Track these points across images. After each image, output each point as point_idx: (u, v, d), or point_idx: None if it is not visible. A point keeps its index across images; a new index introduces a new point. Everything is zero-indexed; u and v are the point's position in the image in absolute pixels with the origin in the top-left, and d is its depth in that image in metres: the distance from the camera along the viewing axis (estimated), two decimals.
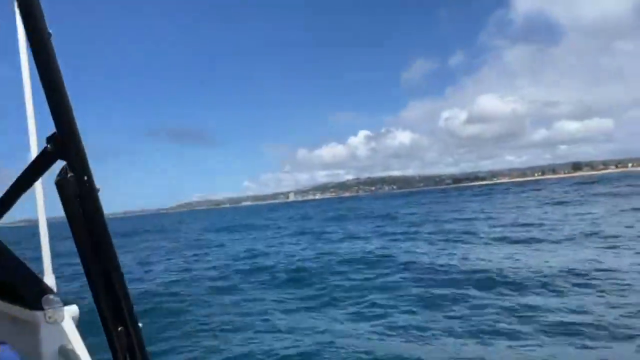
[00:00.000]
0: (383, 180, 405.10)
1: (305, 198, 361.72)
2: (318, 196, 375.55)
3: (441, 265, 15.02)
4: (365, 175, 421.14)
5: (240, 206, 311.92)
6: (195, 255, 24.60)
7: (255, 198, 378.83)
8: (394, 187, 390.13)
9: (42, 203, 1.78)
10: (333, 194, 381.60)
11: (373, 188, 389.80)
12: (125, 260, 22.51)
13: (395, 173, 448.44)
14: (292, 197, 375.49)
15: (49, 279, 1.66)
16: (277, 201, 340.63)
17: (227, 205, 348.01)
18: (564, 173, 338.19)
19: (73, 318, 1.46)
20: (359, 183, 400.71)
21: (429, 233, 25.32)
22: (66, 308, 1.43)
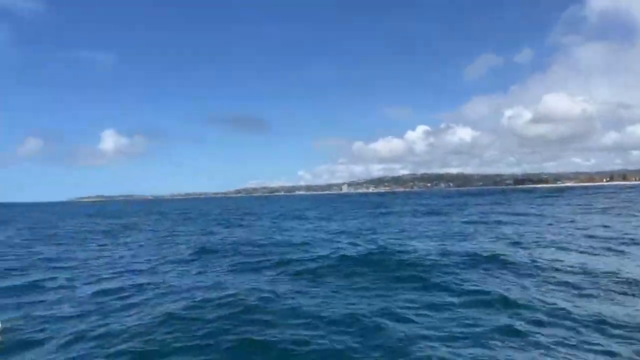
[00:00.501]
0: (440, 177, 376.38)
1: (358, 190, 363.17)
2: (372, 189, 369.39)
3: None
4: (421, 170, 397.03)
5: (294, 195, 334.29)
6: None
7: (309, 188, 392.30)
8: (451, 184, 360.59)
9: None
10: (387, 187, 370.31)
11: (429, 184, 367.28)
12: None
13: (453, 170, 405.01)
14: (345, 189, 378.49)
15: None
16: (330, 192, 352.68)
17: (282, 193, 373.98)
18: (636, 179, 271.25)
19: None
20: (414, 178, 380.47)
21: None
22: None
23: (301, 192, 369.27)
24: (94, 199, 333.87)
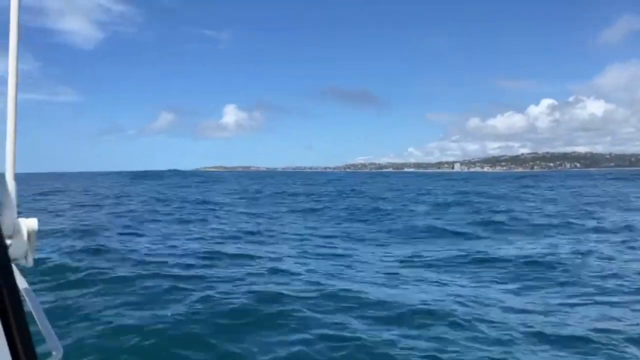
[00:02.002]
0: (565, 157, 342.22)
1: (471, 170, 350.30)
2: (487, 169, 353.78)
3: None
4: (543, 149, 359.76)
5: (402, 172, 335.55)
6: None
7: (418, 165, 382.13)
8: (577, 164, 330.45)
9: None
10: (504, 167, 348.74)
11: (552, 164, 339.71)
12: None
13: (581, 149, 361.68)
14: (457, 168, 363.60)
15: None
16: (440, 170, 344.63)
17: (390, 170, 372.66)
18: None
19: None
20: (535, 158, 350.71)
21: None
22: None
23: (410, 170, 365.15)
24: (216, 168, 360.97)
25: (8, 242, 1.08)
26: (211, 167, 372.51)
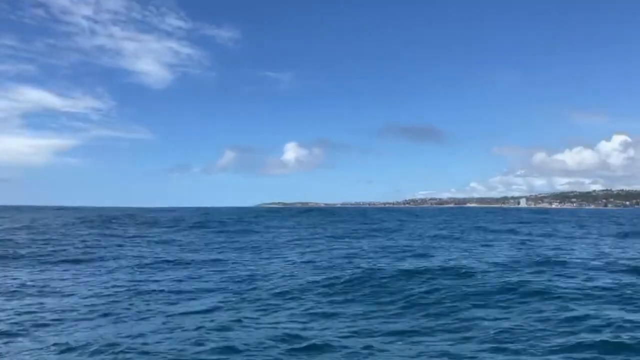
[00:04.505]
0: None
1: (538, 205, 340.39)
2: (555, 205, 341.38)
3: None
4: (617, 186, 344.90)
5: (465, 207, 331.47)
6: None
7: (481, 200, 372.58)
8: None
9: None
10: (575, 204, 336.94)
11: (627, 203, 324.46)
12: None
13: None
14: (523, 203, 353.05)
15: None
16: (505, 206, 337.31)
17: (452, 205, 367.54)
18: None
19: None
20: (608, 195, 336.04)
21: None
22: None
23: (473, 205, 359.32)
24: (275, 204, 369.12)
25: None
26: (271, 203, 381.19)
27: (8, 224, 49.76)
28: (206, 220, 61.37)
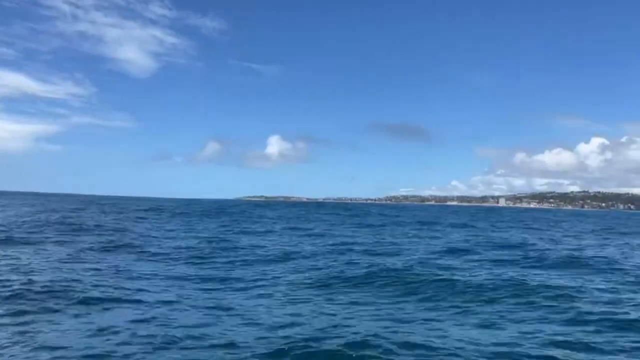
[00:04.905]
0: (617, 197, 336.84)
1: (517, 205, 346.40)
2: (533, 205, 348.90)
3: None
4: (594, 188, 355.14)
5: (446, 205, 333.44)
6: None
7: (462, 199, 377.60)
8: (632, 206, 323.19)
9: None
10: (552, 204, 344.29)
11: (603, 204, 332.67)
12: None
13: (636, 190, 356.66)
14: (502, 203, 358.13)
15: None
16: (485, 204, 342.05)
17: (433, 203, 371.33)
18: None
19: None
20: (585, 197, 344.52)
21: None
22: None
23: (454, 203, 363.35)
24: (257, 198, 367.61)
25: None
26: (253, 197, 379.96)
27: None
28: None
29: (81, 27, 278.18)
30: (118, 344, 8.15)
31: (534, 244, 25.92)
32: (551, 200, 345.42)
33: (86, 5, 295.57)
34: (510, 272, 15.78)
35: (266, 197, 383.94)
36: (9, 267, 14.79)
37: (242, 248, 22.60)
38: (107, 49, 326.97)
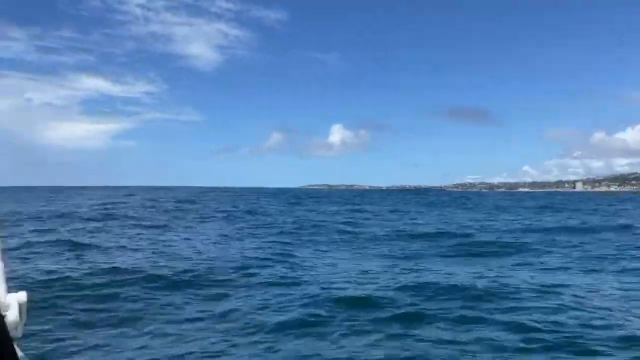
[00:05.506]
0: None
1: (596, 189, 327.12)
2: (614, 188, 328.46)
3: None
4: None
5: (517, 192, 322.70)
6: None
7: (534, 185, 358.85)
8: None
9: None
10: (635, 187, 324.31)
11: None
12: None
13: None
14: (579, 187, 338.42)
15: None
16: (560, 190, 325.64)
17: (503, 190, 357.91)
18: None
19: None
20: None
21: None
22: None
23: (525, 190, 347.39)
24: (320, 187, 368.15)
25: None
26: (315, 186, 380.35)
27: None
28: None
29: (153, 29, 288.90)
30: None
31: None
32: (633, 182, 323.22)
33: (157, 7, 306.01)
34: None
35: (329, 186, 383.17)
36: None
37: None
38: (177, 47, 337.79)
